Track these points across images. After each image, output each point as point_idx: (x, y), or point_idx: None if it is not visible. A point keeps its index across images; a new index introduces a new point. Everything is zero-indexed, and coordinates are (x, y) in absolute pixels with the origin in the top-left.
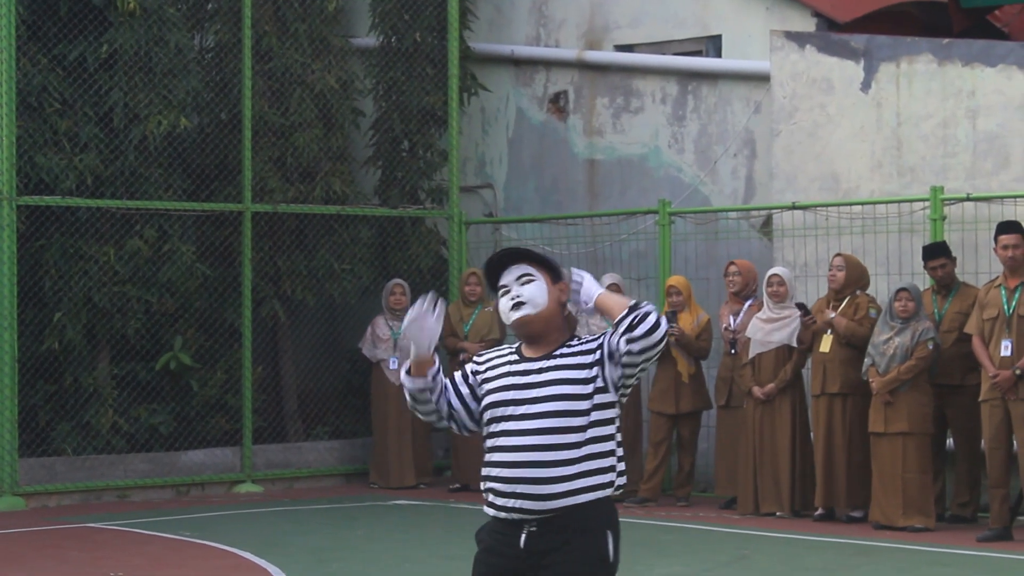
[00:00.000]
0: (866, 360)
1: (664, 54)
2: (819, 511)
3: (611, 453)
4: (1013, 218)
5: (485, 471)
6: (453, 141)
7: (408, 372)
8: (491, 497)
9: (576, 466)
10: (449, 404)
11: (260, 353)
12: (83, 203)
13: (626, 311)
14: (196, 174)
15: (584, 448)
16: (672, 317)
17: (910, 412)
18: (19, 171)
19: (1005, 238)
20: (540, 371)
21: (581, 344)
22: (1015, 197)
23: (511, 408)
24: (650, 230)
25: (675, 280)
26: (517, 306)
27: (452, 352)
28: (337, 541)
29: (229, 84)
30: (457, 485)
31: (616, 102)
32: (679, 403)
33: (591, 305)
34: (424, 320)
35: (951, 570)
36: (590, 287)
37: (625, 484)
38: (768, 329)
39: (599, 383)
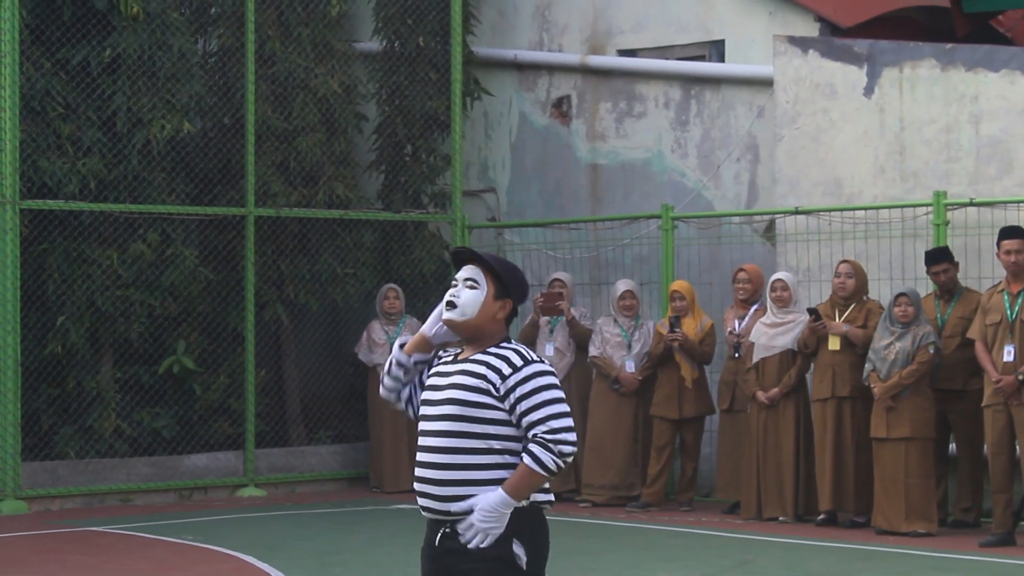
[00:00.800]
0: (867, 365)
1: (667, 59)
2: (822, 516)
3: (508, 466)
4: (1016, 223)
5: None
6: (456, 145)
7: (402, 347)
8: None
9: (475, 472)
10: (411, 393)
11: (263, 357)
12: (86, 207)
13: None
14: (199, 178)
15: (484, 456)
16: (676, 322)
17: (912, 417)
18: (22, 175)
19: (1008, 243)
20: (450, 374)
21: (497, 357)
22: (1018, 202)
23: (425, 408)
24: (653, 235)
25: (679, 285)
26: (450, 305)
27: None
28: (339, 545)
29: (232, 88)
30: None
31: (619, 107)
32: (682, 408)
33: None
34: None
35: (954, 575)
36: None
37: (548, 499)
38: (772, 334)
39: (500, 412)
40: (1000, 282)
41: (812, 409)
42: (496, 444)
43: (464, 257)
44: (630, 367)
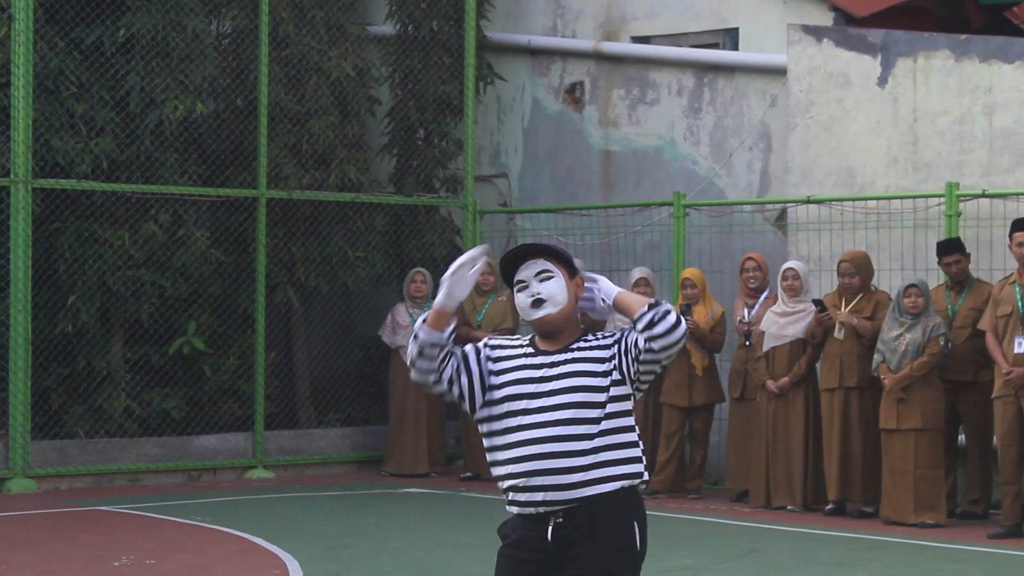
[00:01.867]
0: (876, 356)
1: (681, 46)
2: (830, 505)
3: (632, 444)
4: None
5: (504, 469)
6: (468, 130)
7: (425, 321)
8: (513, 495)
9: (595, 455)
10: (456, 373)
11: (273, 339)
12: (98, 187)
13: (645, 308)
14: (211, 159)
15: (601, 439)
16: (686, 310)
17: (923, 408)
18: (35, 154)
19: (1020, 235)
20: (557, 364)
21: (598, 340)
22: None
23: (528, 401)
24: (664, 222)
25: (690, 272)
26: (538, 303)
27: (465, 341)
28: (348, 528)
29: (246, 70)
30: (468, 474)
31: (632, 93)
32: (692, 396)
33: (610, 303)
34: (465, 271)
35: (961, 566)
36: (607, 286)
37: (647, 478)
38: (782, 323)
39: (615, 376)
40: (1012, 274)
41: (821, 399)
42: (616, 423)
43: (519, 257)
44: None
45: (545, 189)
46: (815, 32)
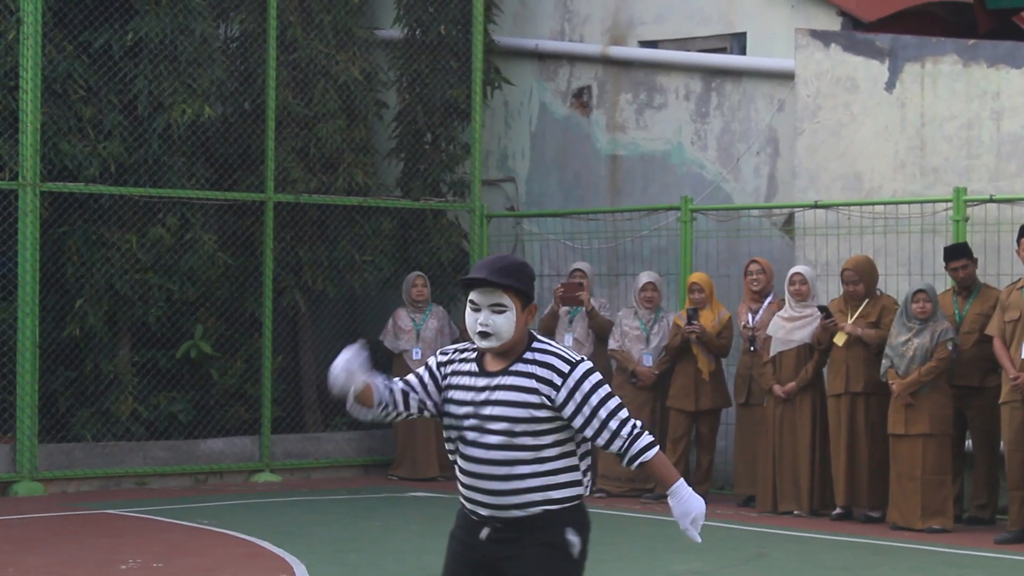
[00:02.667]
0: (884, 362)
1: (688, 51)
2: (837, 510)
3: (570, 468)
4: None
5: (456, 474)
6: (476, 134)
7: (355, 402)
8: (460, 498)
9: (531, 480)
10: (421, 402)
11: (280, 343)
12: (106, 190)
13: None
14: (219, 163)
15: (540, 464)
16: (693, 314)
17: (931, 414)
18: (43, 157)
19: None
20: (494, 387)
21: (542, 362)
22: None
23: (466, 421)
24: (672, 227)
25: (697, 277)
26: (484, 335)
27: None
28: (355, 532)
29: (253, 74)
30: None
31: (639, 98)
32: (699, 400)
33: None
34: (352, 365)
35: (968, 572)
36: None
37: (590, 484)
38: (789, 328)
39: (555, 421)
40: (1019, 279)
41: (828, 404)
42: (551, 452)
43: (476, 281)
44: (647, 361)
45: (552, 193)
46: (823, 37)
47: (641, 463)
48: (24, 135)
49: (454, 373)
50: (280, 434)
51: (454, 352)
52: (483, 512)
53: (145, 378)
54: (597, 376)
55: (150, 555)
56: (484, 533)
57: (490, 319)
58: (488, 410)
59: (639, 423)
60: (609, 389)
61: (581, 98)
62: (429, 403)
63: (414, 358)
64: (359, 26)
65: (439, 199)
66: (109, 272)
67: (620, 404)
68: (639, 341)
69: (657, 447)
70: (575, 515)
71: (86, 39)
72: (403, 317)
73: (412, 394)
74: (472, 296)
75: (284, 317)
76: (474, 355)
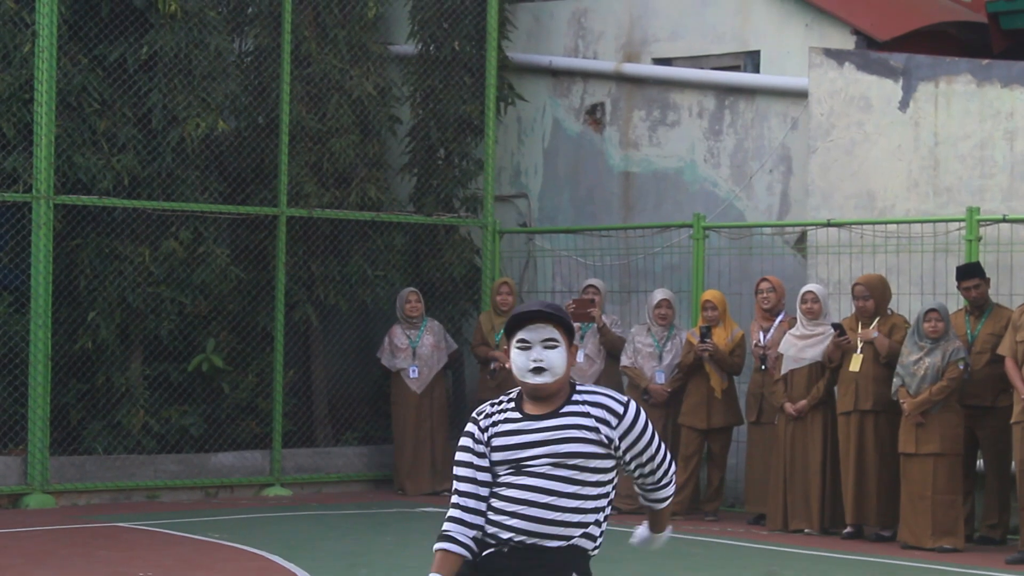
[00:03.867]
0: (895, 380)
1: (702, 68)
2: (848, 529)
3: (601, 509)
4: None
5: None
6: (489, 150)
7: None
8: (486, 531)
9: (564, 515)
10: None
11: (292, 357)
12: (119, 203)
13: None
14: (232, 177)
15: (581, 501)
16: (706, 332)
17: (942, 433)
18: (57, 170)
19: None
20: (546, 429)
21: (594, 402)
22: None
23: (514, 464)
24: (684, 244)
25: (711, 295)
26: (539, 371)
27: (483, 361)
28: (365, 546)
29: (267, 88)
30: None
31: (653, 115)
32: (711, 418)
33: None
34: None
35: None
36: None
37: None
38: (801, 346)
39: (607, 460)
40: None
41: (838, 422)
42: (592, 491)
43: (527, 317)
44: (660, 378)
45: (565, 210)
46: (837, 55)
47: (664, 501)
48: (38, 148)
49: (495, 424)
50: (291, 448)
51: (490, 408)
52: (504, 536)
53: (156, 391)
54: (645, 415)
55: (161, 569)
56: (487, 553)
57: (544, 354)
58: (558, 447)
59: (675, 467)
60: (653, 427)
61: (594, 115)
62: (487, 479)
63: (411, 376)
64: (373, 41)
65: (451, 215)
66: (122, 285)
67: (660, 442)
68: (652, 358)
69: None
70: (584, 563)
71: (101, 52)
72: (399, 335)
73: (480, 494)
74: (521, 335)
75: (296, 331)
76: (512, 404)
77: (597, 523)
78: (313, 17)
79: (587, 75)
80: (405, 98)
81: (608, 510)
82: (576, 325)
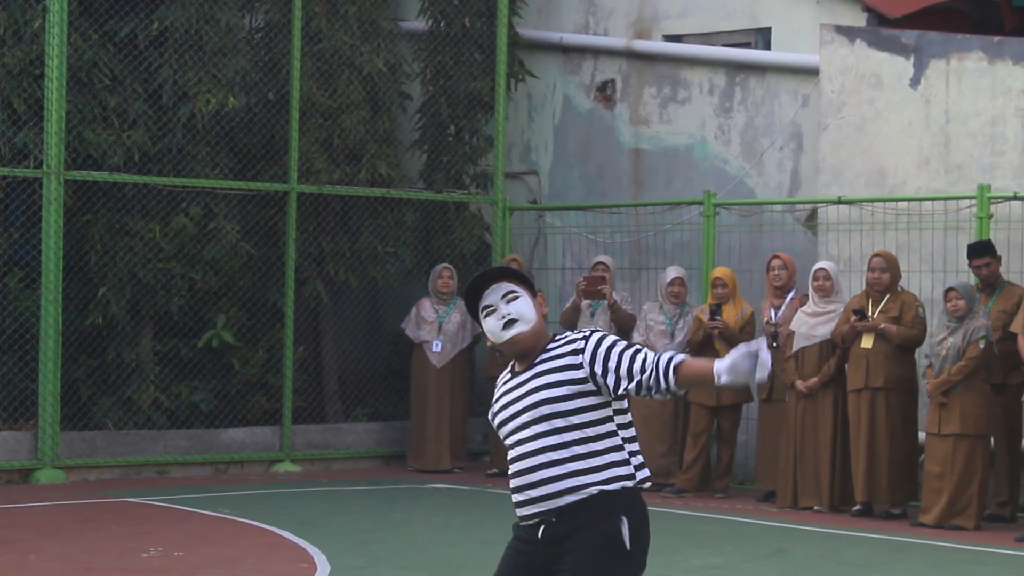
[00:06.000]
0: (923, 360)
1: (713, 45)
2: (857, 507)
3: (614, 448)
4: None
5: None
6: (499, 127)
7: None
8: (515, 507)
9: (579, 462)
10: None
11: (302, 333)
12: (130, 179)
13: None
14: (243, 153)
15: (584, 445)
16: (716, 309)
17: (963, 414)
18: (67, 146)
19: None
20: (525, 382)
21: (561, 346)
22: None
23: (509, 424)
24: (694, 221)
25: (721, 272)
26: (510, 323)
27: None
28: (375, 523)
29: (278, 64)
30: (495, 470)
31: (663, 92)
32: (720, 395)
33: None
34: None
35: (989, 569)
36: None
37: (647, 475)
38: (813, 323)
39: (588, 386)
40: None
41: (848, 400)
42: (592, 431)
43: (482, 284)
44: None
45: (575, 186)
46: (848, 32)
47: (675, 370)
48: (49, 123)
49: (498, 389)
50: (301, 424)
51: (500, 373)
52: (537, 509)
53: (167, 367)
54: (611, 336)
55: (171, 544)
56: (541, 531)
57: (509, 307)
58: (530, 399)
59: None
60: (626, 342)
61: (605, 92)
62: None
63: (434, 350)
64: (384, 17)
65: (462, 191)
66: (132, 261)
67: (639, 347)
68: (664, 336)
69: (684, 355)
70: (631, 504)
71: (112, 28)
72: (427, 308)
73: None
74: (484, 302)
75: (306, 308)
76: (510, 367)
77: (616, 463)
78: None
79: (597, 52)
80: (416, 74)
81: (632, 443)
82: (586, 302)
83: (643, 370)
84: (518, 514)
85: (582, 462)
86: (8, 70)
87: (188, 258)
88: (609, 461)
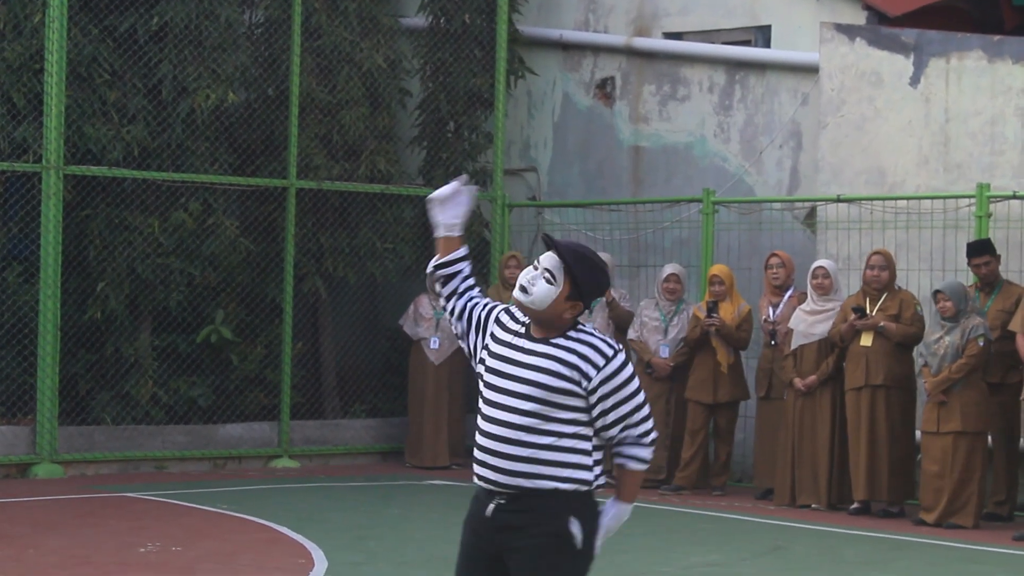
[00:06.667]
0: (919, 360)
1: (713, 43)
2: (855, 505)
3: (581, 452)
4: None
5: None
6: (499, 124)
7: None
8: (474, 463)
9: (546, 452)
10: (469, 316)
11: (300, 329)
12: (129, 174)
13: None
14: (242, 149)
15: (556, 439)
16: (713, 307)
17: (963, 412)
18: (67, 140)
19: None
20: (532, 353)
21: (583, 344)
22: None
23: (499, 379)
24: (694, 219)
25: (718, 269)
26: (522, 289)
27: None
28: (373, 518)
29: (277, 60)
30: None
31: (663, 89)
32: (717, 393)
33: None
34: (454, 199)
35: (986, 568)
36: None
37: (600, 479)
38: (811, 321)
39: (580, 401)
40: None
41: (846, 398)
42: (567, 429)
43: (550, 245)
44: (664, 352)
45: (574, 184)
46: (848, 31)
47: (633, 462)
48: (48, 118)
49: (505, 330)
50: (299, 420)
51: (516, 313)
52: (492, 478)
53: (165, 362)
54: (631, 370)
55: (169, 539)
56: (490, 509)
57: (536, 280)
58: (531, 374)
59: (654, 435)
60: (638, 385)
61: (604, 89)
62: (472, 335)
63: (432, 347)
64: (384, 14)
65: None
66: (131, 256)
67: (645, 403)
68: (657, 332)
69: (646, 467)
70: (581, 505)
71: (111, 23)
72: (425, 304)
73: (474, 294)
74: (540, 258)
75: (304, 303)
76: (525, 320)
77: (577, 466)
78: None
79: (597, 49)
80: (415, 71)
81: (598, 451)
82: None
83: (626, 428)
84: (474, 470)
85: (548, 453)
86: (8, 64)
87: (187, 253)
88: (572, 462)
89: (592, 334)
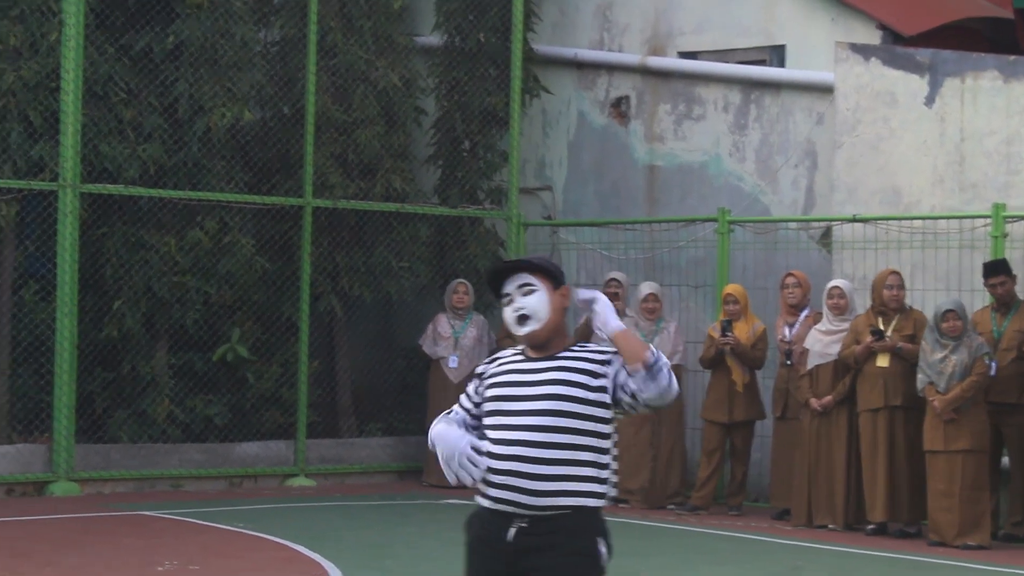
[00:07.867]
0: (921, 377)
1: (727, 62)
2: (872, 525)
3: (601, 466)
4: None
5: (484, 461)
6: (514, 142)
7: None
8: (485, 487)
9: (569, 468)
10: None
11: (316, 348)
12: (145, 193)
13: (641, 366)
14: (258, 167)
15: (578, 452)
16: (728, 326)
17: (971, 429)
18: (83, 159)
19: None
20: (542, 370)
21: (588, 352)
22: None
23: (509, 403)
24: (709, 238)
25: (732, 288)
26: (522, 319)
27: None
28: (390, 537)
29: (293, 79)
30: None
31: (678, 109)
32: (732, 412)
33: (604, 335)
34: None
35: None
36: (607, 319)
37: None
38: (827, 341)
39: (604, 397)
40: None
41: (860, 419)
42: (588, 442)
43: (501, 272)
44: None
45: (589, 203)
46: (863, 50)
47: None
48: (65, 136)
49: (493, 375)
50: (315, 439)
51: (491, 363)
52: (518, 500)
53: (181, 380)
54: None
55: (185, 557)
56: (511, 533)
57: (522, 301)
58: (550, 388)
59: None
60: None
61: (619, 108)
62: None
63: (451, 365)
64: (399, 32)
65: (476, 206)
66: (147, 274)
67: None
68: None
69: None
70: (602, 522)
71: (128, 42)
72: (443, 323)
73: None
74: (504, 289)
75: (320, 322)
76: (520, 350)
77: (601, 480)
78: (339, 8)
79: (612, 68)
80: (430, 89)
81: (612, 464)
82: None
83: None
84: (487, 501)
85: (572, 468)
86: (24, 83)
87: (203, 272)
88: (593, 476)
89: (588, 347)
